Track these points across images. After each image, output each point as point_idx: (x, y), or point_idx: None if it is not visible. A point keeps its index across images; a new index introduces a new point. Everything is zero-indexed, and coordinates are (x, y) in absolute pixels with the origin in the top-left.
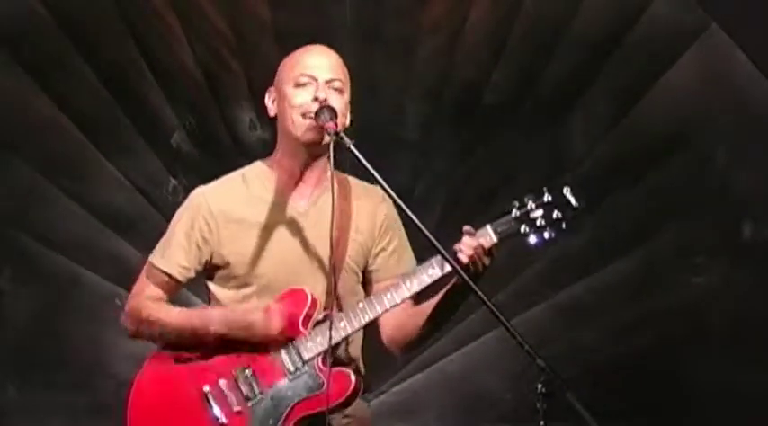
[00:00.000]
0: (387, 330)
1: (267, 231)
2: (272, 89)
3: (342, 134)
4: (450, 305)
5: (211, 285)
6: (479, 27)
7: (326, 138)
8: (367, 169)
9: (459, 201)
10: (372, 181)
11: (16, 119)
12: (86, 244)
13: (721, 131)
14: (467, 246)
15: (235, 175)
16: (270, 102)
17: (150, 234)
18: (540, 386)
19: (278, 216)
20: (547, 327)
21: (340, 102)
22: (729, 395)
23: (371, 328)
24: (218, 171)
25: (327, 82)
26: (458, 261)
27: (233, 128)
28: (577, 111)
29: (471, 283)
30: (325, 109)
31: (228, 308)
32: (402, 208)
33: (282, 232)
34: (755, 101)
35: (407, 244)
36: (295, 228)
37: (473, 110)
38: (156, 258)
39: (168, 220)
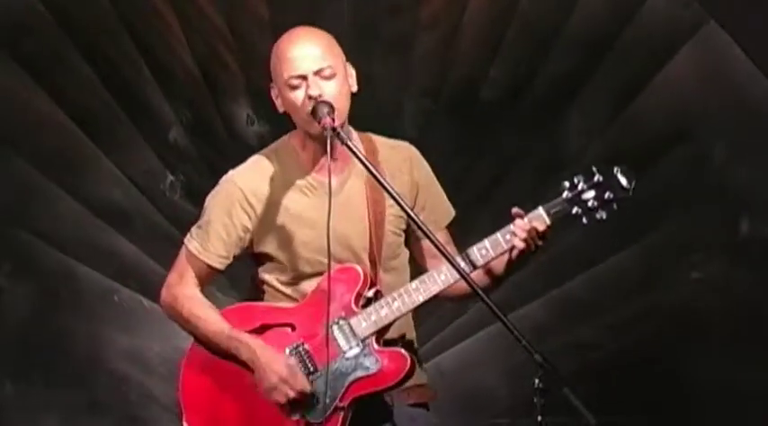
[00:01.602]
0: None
1: (303, 212)
2: (272, 85)
3: (339, 129)
4: (496, 282)
5: (259, 269)
6: (476, 24)
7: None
8: (365, 165)
9: (456, 198)
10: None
11: (14, 116)
12: (84, 240)
13: (719, 127)
14: (520, 229)
15: (264, 156)
16: (275, 97)
17: (148, 229)
18: (537, 381)
19: (311, 195)
20: (544, 323)
21: (334, 88)
22: (728, 392)
23: None
24: (215, 167)
25: (316, 73)
26: (513, 245)
27: (230, 124)
28: (575, 108)
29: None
30: (320, 105)
31: (258, 346)
32: (402, 206)
33: (318, 212)
34: (753, 97)
35: (442, 194)
36: (329, 207)
37: (470, 106)
38: (195, 247)
39: (165, 216)
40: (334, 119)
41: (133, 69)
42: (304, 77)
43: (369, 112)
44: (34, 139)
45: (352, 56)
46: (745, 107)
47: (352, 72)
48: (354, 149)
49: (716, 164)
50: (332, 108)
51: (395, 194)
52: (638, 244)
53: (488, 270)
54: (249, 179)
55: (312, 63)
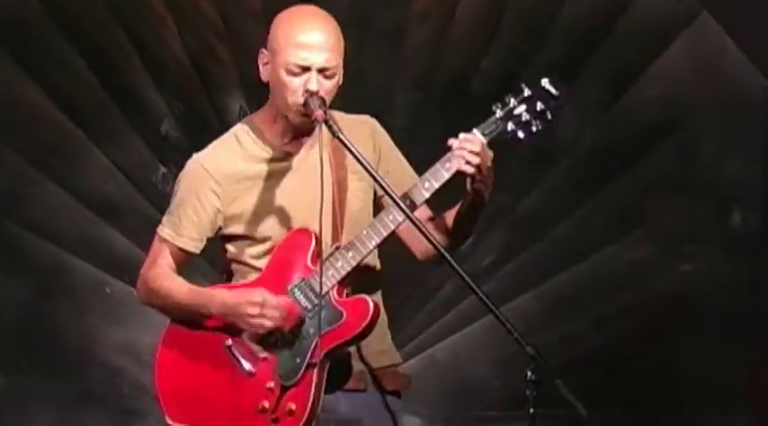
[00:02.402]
0: (416, 246)
1: (269, 187)
2: (264, 51)
3: (330, 122)
4: (466, 220)
5: (229, 248)
6: (469, 14)
7: (316, 123)
8: (356, 156)
9: (447, 189)
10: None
11: (5, 107)
12: (76, 233)
13: (711, 119)
14: (457, 149)
15: (227, 137)
16: (262, 64)
17: (139, 222)
18: (529, 373)
19: (277, 170)
20: (536, 315)
21: (330, 86)
22: (717, 384)
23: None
24: None
25: (320, 71)
26: (454, 169)
27: (222, 116)
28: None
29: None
30: (313, 98)
31: (232, 292)
32: (392, 197)
33: (284, 185)
34: (745, 88)
35: (405, 164)
36: (295, 179)
37: (463, 97)
38: (167, 232)
39: (157, 209)
40: (325, 112)
41: (125, 61)
42: (307, 69)
43: (361, 104)
44: (26, 132)
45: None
46: (738, 99)
47: (339, 80)
48: (344, 140)
49: (707, 155)
50: (324, 101)
51: (383, 181)
52: (629, 236)
53: (455, 217)
54: (213, 159)
55: (319, 58)
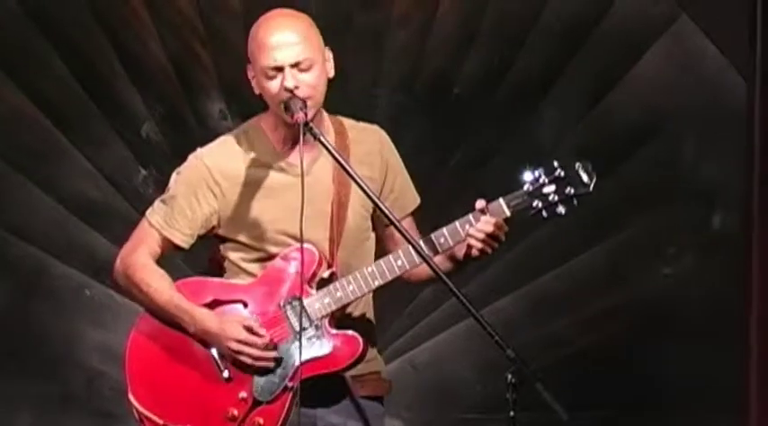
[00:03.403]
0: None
1: (269, 195)
2: (250, 66)
3: (311, 124)
4: (457, 267)
5: (221, 246)
6: (450, 17)
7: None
8: (336, 159)
9: (429, 191)
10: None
11: None
12: (56, 235)
13: (691, 122)
14: (478, 230)
15: (232, 136)
16: (251, 77)
17: (120, 224)
18: (509, 376)
19: (279, 175)
20: (516, 318)
21: (311, 79)
22: (699, 386)
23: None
24: None
25: (293, 66)
26: (471, 239)
27: (203, 119)
28: (548, 102)
29: (445, 278)
30: (292, 101)
31: (215, 321)
32: (372, 199)
33: (284, 196)
34: (725, 91)
35: (409, 179)
36: (296, 190)
37: (444, 100)
38: (157, 221)
39: (138, 211)
40: (306, 114)
41: (106, 64)
42: (280, 69)
43: (341, 107)
44: (6, 134)
45: None
46: (717, 102)
47: (329, 55)
48: (326, 144)
49: (688, 159)
50: (305, 103)
51: (362, 183)
52: (610, 240)
53: (450, 255)
54: (217, 158)
55: (289, 55)
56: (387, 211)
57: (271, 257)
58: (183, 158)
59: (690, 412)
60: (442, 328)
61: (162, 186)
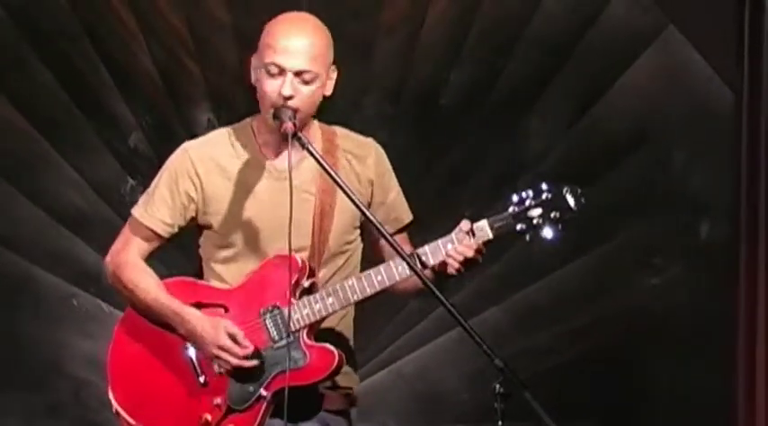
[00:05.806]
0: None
1: (251, 193)
2: (255, 55)
3: (300, 134)
4: (439, 281)
5: (200, 240)
6: (437, 27)
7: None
8: (325, 169)
9: (415, 200)
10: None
11: None
12: (43, 244)
13: (678, 132)
14: (457, 251)
15: (222, 132)
16: (252, 68)
17: (107, 234)
18: (497, 386)
19: (262, 178)
20: (504, 328)
21: (307, 93)
22: (686, 396)
23: None
24: None
25: (297, 74)
26: (450, 258)
27: (190, 128)
28: (535, 112)
29: (433, 288)
30: (282, 110)
31: (201, 323)
32: (360, 209)
33: (266, 195)
34: (712, 101)
35: (401, 195)
36: (279, 191)
37: (432, 110)
38: (140, 212)
39: (125, 220)
40: (295, 124)
41: (93, 74)
42: (283, 72)
43: (329, 115)
44: None
45: None
46: (704, 111)
47: (333, 75)
48: (314, 152)
49: (675, 168)
50: (294, 113)
51: (349, 192)
52: (598, 249)
53: (433, 267)
54: (202, 151)
55: (297, 62)
56: (372, 218)
57: (242, 257)
58: None
59: (677, 422)
60: (429, 338)
61: None
